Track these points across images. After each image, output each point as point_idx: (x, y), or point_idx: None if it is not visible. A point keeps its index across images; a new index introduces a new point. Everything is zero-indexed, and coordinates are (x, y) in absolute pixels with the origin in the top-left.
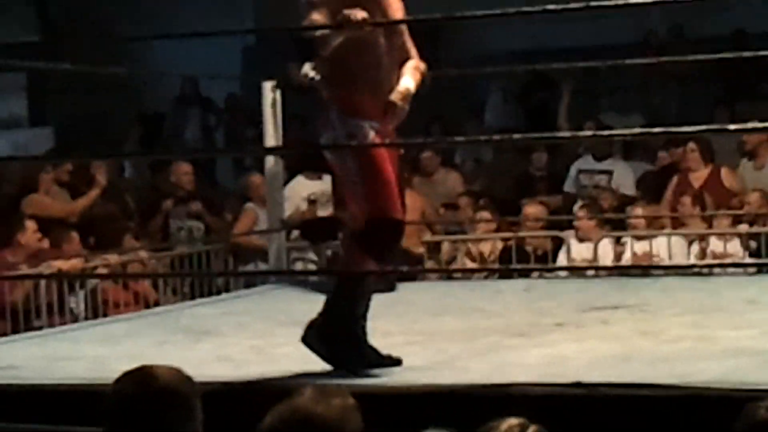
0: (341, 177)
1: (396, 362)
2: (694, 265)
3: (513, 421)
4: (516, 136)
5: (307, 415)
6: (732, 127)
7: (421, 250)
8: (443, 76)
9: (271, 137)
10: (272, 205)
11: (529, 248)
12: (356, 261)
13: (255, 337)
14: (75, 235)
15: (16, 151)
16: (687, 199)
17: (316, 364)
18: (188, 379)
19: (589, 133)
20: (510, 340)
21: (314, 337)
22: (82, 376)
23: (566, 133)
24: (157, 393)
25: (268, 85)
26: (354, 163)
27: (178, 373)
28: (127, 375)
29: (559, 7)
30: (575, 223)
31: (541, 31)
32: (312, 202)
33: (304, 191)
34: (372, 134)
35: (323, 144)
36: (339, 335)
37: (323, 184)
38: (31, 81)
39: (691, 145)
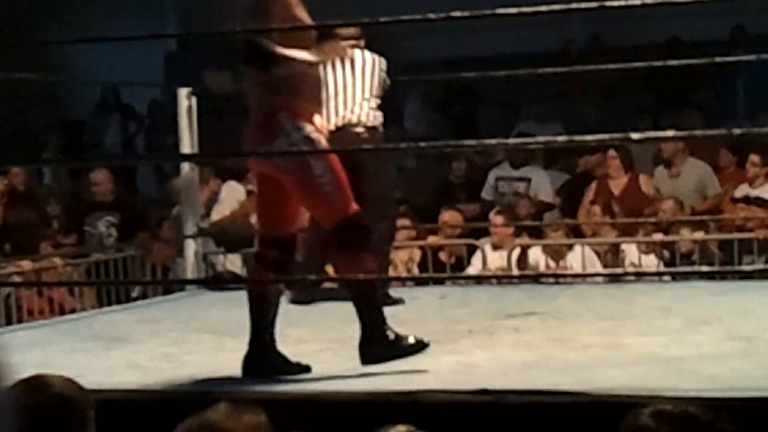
0: (295, 182)
1: (304, 369)
2: (606, 274)
3: (401, 428)
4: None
5: (219, 430)
6: (635, 136)
7: None
8: None
9: (187, 144)
10: (188, 211)
11: (444, 256)
12: (356, 261)
13: (167, 345)
14: None
15: None
16: (597, 209)
17: (225, 371)
18: (82, 388)
19: (510, 141)
20: None
21: (372, 352)
22: None
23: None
24: (51, 402)
25: (183, 92)
26: (319, 165)
27: (72, 382)
28: (21, 384)
29: (470, 13)
30: (491, 230)
31: (463, 40)
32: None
33: (238, 195)
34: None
35: (270, 151)
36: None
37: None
38: None
39: (612, 152)
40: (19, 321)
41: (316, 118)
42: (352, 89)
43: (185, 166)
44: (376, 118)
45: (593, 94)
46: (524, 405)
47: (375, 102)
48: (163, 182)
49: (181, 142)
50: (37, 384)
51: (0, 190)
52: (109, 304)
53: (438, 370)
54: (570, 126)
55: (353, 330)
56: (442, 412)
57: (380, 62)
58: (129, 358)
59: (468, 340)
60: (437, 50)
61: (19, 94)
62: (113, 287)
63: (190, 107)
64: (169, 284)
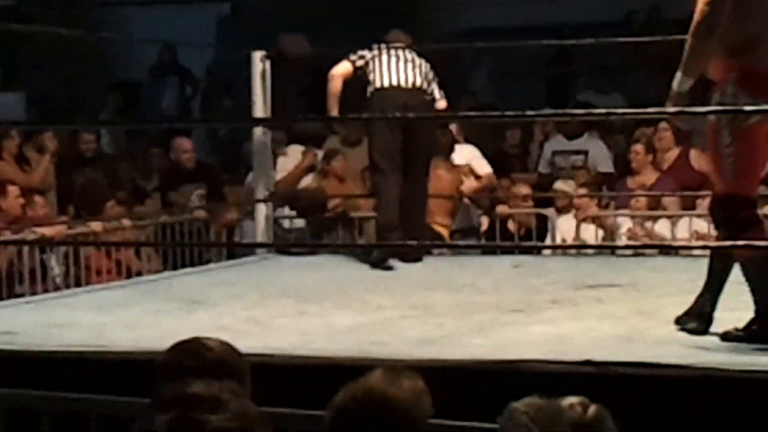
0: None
1: None
2: (684, 246)
3: (573, 399)
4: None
5: (381, 396)
6: (671, 110)
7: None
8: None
9: (260, 108)
10: (260, 175)
11: (512, 225)
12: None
13: (248, 308)
14: (40, 199)
15: None
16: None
17: (311, 336)
18: (239, 353)
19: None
20: (507, 317)
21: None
22: (81, 343)
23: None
24: (211, 366)
25: (258, 55)
26: (728, 138)
27: (229, 347)
28: (180, 346)
29: None
30: (575, 202)
31: (522, 8)
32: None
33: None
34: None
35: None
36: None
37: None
38: (3, 46)
39: (664, 125)
40: (87, 281)
41: None
42: None
43: (257, 131)
44: None
45: (654, 66)
46: (628, 377)
47: None
48: (216, 147)
49: (254, 105)
50: (196, 347)
51: (51, 151)
52: (174, 267)
53: (531, 340)
54: (631, 97)
55: (433, 297)
56: (543, 382)
57: None
58: (214, 320)
59: (553, 310)
60: (495, 18)
61: (73, 55)
62: (179, 249)
63: (264, 70)
64: (248, 248)
